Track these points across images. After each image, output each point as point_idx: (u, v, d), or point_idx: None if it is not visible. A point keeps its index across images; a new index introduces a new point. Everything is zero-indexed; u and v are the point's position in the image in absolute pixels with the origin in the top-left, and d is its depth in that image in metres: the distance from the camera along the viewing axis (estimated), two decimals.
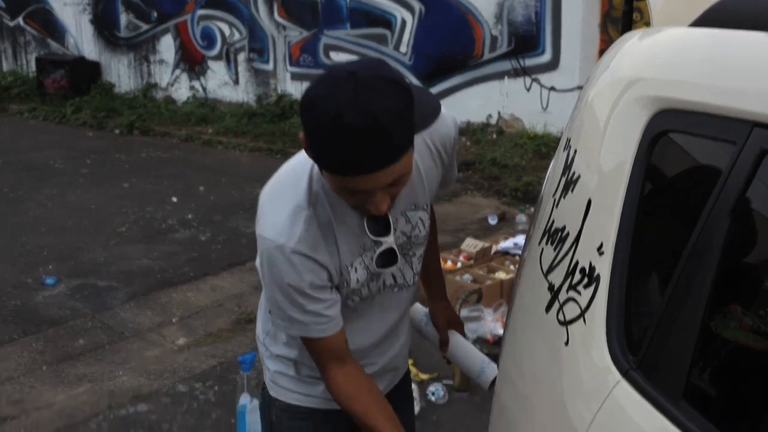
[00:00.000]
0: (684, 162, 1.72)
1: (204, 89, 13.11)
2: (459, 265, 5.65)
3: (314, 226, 2.06)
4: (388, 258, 2.21)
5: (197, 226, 6.93)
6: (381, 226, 2.16)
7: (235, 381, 4.59)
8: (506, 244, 5.99)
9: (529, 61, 9.55)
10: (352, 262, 2.13)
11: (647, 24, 2.03)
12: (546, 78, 9.44)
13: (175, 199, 7.40)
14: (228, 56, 12.74)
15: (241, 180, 8.42)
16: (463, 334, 2.67)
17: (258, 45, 12.32)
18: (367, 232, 2.13)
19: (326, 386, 2.20)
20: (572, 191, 1.91)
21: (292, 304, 2.10)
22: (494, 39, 9.78)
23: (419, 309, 2.71)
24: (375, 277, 2.21)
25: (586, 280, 1.76)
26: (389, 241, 2.18)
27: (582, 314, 1.75)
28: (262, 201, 2.14)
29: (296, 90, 11.90)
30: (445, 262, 5.67)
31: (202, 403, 4.64)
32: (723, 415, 1.44)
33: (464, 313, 5.12)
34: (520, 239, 5.86)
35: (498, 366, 2.28)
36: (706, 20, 1.73)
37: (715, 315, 1.53)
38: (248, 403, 4.00)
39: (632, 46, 1.95)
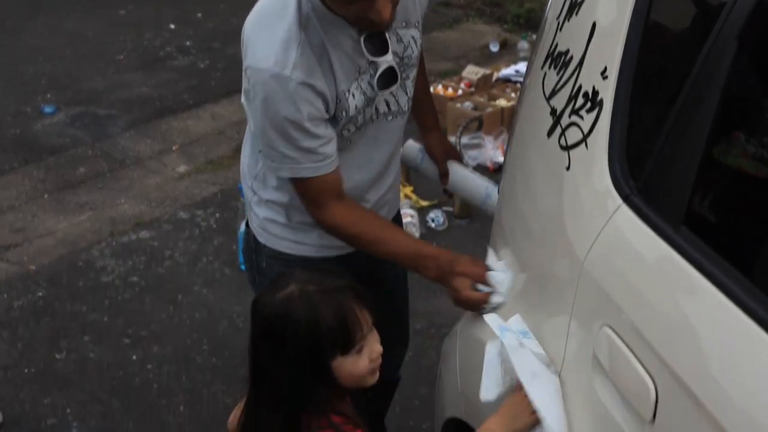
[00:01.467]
0: None
1: None
2: (459, 92, 5.58)
3: (308, 50, 1.99)
4: (388, 78, 2.14)
5: (196, 53, 6.81)
6: (377, 47, 2.10)
7: (236, 208, 4.61)
8: (508, 71, 5.90)
9: None
10: (349, 88, 2.07)
11: None
12: None
13: (172, 26, 7.25)
14: None
15: (240, 6, 8.22)
16: (462, 162, 2.62)
17: None
18: (365, 52, 2.06)
19: (328, 224, 2.16)
20: (577, 14, 1.86)
21: (285, 140, 2.04)
22: None
23: (413, 145, 2.64)
24: (370, 102, 2.15)
25: (589, 104, 1.73)
26: (388, 59, 2.11)
27: (584, 139, 1.73)
28: (248, 32, 2.07)
29: None
30: (446, 89, 5.61)
31: (203, 230, 4.68)
32: (723, 241, 1.44)
33: (464, 140, 5.10)
34: (522, 66, 5.76)
35: (498, 191, 2.27)
36: None
37: (717, 142, 1.51)
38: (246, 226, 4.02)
39: None
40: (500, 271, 2.04)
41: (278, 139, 2.05)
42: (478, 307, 2.07)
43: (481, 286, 2.06)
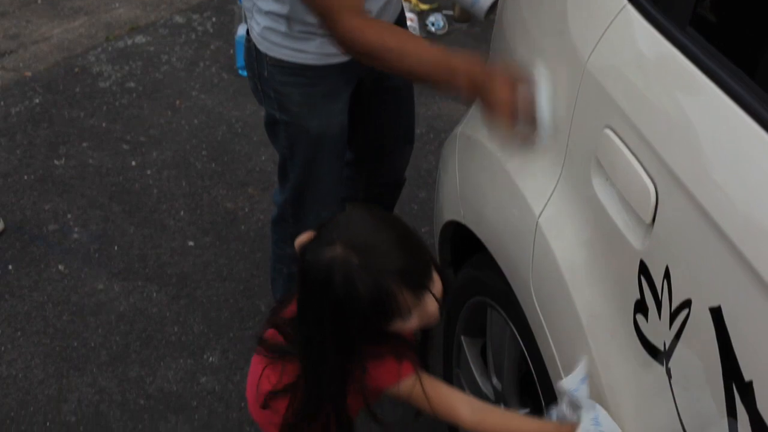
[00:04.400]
0: None
1: None
2: None
3: None
4: None
5: None
6: None
7: (232, 12, 4.51)
8: None
9: None
10: None
11: None
12: None
13: None
14: None
15: None
16: None
17: None
18: None
19: (346, 40, 1.98)
20: None
21: None
22: None
23: None
24: None
25: None
26: None
27: None
28: None
29: None
30: None
31: (200, 34, 4.59)
32: (729, 42, 1.39)
33: None
34: None
35: None
36: None
37: None
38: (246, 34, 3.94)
39: None
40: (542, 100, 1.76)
41: None
42: (522, 118, 1.79)
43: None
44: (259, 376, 1.81)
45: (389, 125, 2.61)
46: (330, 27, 1.99)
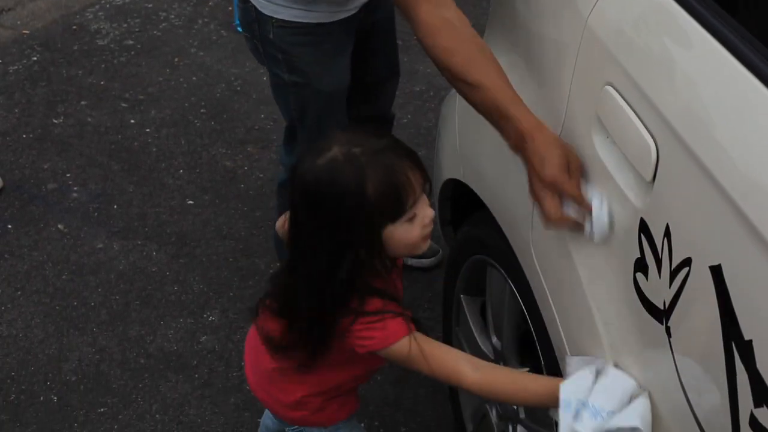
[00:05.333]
0: None
1: None
2: None
3: None
4: None
5: None
6: None
7: None
8: None
9: None
10: None
11: None
12: None
13: None
14: None
15: None
16: None
17: None
18: None
19: (419, 38, 1.78)
20: None
21: None
22: None
23: None
24: None
25: None
26: None
27: None
28: None
29: None
30: None
31: None
32: None
33: None
34: None
35: None
36: None
37: None
38: None
39: None
40: (597, 200, 1.53)
41: None
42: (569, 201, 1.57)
43: (570, 209, 1.57)
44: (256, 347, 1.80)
45: (375, 62, 2.60)
46: (407, 15, 1.82)
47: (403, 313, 1.63)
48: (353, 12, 2.29)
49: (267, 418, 2.13)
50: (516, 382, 1.66)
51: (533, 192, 1.60)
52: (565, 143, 1.60)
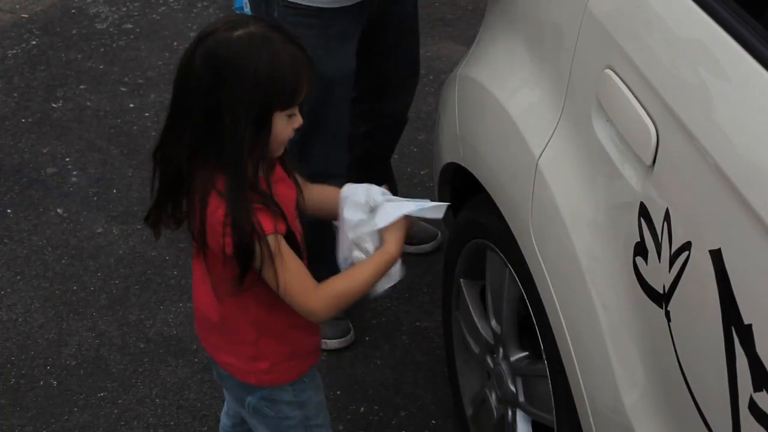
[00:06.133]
0: None
1: None
2: None
3: None
4: None
5: None
6: None
7: None
8: None
9: None
10: None
11: None
12: None
13: None
14: None
15: None
16: None
17: None
18: None
19: None
20: None
21: None
22: None
23: None
24: None
25: None
26: None
27: None
28: None
29: None
30: None
31: None
32: None
33: None
34: None
35: None
36: None
37: None
38: None
39: None
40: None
41: None
42: None
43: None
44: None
45: (393, 57, 2.57)
46: None
47: (274, 211, 1.60)
48: None
49: (225, 417, 2.11)
50: (354, 278, 1.69)
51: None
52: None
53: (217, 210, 1.57)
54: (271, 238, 1.58)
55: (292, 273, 1.62)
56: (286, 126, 1.61)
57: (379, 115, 2.68)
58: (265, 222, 1.57)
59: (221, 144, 1.56)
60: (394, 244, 1.68)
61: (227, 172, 1.56)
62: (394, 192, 2.21)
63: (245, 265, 1.59)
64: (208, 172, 1.59)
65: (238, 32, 1.57)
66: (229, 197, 1.56)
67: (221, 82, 1.55)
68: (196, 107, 1.58)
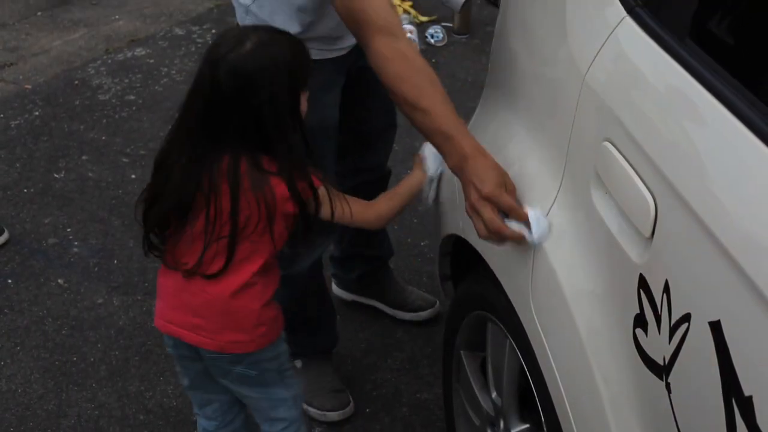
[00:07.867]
0: None
1: None
2: None
3: None
4: None
5: None
6: None
7: (232, 23, 4.51)
8: None
9: None
10: None
11: None
12: None
13: None
14: None
15: None
16: None
17: None
18: None
19: (372, 62, 1.95)
20: None
21: None
22: None
23: None
24: None
25: None
26: None
27: None
28: None
29: None
30: None
31: (199, 46, 4.59)
32: (729, 55, 1.39)
33: None
34: None
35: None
36: None
37: None
38: None
39: None
40: (533, 210, 1.70)
41: None
42: (504, 240, 1.74)
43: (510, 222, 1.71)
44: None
45: (372, 110, 2.62)
46: (362, 45, 1.99)
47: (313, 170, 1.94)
48: (344, 53, 2.34)
49: (203, 420, 2.21)
50: (395, 196, 2.10)
51: (470, 206, 1.75)
52: (502, 169, 1.76)
53: (279, 185, 1.86)
54: (321, 188, 1.93)
55: (350, 201, 2.01)
56: (304, 102, 1.91)
57: (363, 169, 2.71)
58: (314, 178, 1.92)
59: (267, 135, 1.84)
60: (418, 170, 2.10)
61: (280, 153, 1.86)
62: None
63: (307, 215, 1.93)
64: (254, 171, 1.86)
65: (247, 44, 1.81)
66: (290, 170, 1.87)
67: (257, 91, 1.80)
68: (237, 117, 1.83)
